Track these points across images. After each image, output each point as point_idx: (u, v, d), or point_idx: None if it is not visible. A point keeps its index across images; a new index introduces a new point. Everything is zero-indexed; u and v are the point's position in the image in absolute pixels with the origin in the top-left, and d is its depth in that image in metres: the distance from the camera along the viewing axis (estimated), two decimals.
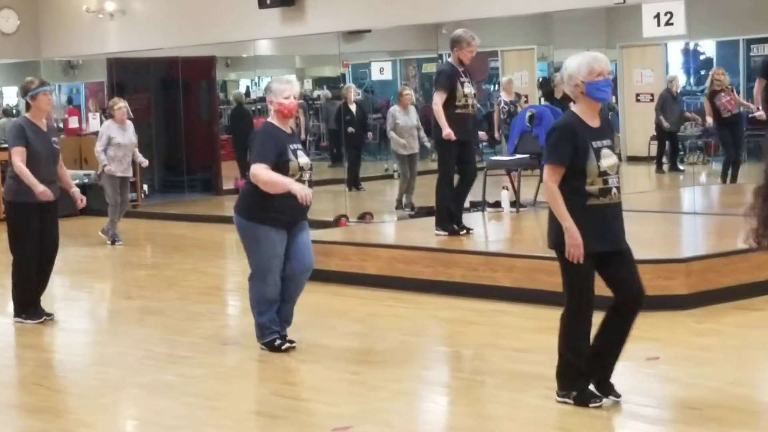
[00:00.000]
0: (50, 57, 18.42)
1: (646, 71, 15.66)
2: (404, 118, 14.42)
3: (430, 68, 16.66)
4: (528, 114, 12.51)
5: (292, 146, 7.25)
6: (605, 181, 5.70)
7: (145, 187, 17.40)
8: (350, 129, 16.44)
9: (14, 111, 19.21)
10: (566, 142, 5.68)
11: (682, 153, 15.23)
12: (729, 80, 14.20)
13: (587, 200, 5.69)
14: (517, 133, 12.58)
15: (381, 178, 17.74)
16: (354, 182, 16.85)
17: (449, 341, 7.99)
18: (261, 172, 7.12)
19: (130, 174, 13.32)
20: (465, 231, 10.19)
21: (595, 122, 5.79)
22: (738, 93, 16.22)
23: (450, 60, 10.08)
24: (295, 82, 7.43)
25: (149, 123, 18.04)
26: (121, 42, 17.30)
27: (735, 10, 13.88)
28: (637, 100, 15.45)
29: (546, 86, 15.79)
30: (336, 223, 13.27)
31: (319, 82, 20.89)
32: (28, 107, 8.84)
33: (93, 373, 7.37)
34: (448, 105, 9.83)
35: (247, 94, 20.32)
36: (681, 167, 15.42)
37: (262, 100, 20.64)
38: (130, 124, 13.34)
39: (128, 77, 18.17)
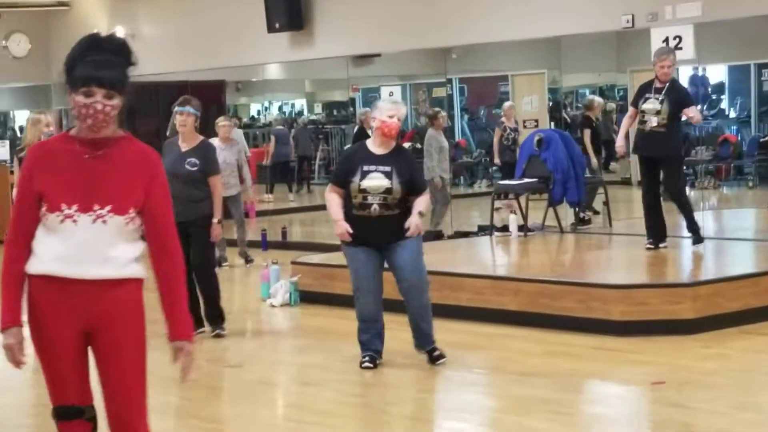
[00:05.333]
0: (61, 81, 18.43)
1: None
2: (442, 140, 13.92)
3: (440, 92, 16.65)
4: (536, 138, 12.47)
5: (369, 167, 7.21)
6: None
7: None
8: None
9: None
10: None
11: (693, 177, 15.06)
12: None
13: None
14: (525, 157, 12.54)
15: None
16: None
17: (455, 365, 7.93)
18: (326, 193, 7.44)
19: (233, 192, 12.50)
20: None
21: None
22: (750, 119, 16.12)
23: None
24: (401, 104, 7.49)
25: (158, 148, 18.01)
26: None
27: (745, 35, 13.79)
28: None
29: (556, 110, 15.69)
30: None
31: (329, 106, 20.90)
32: None
33: None
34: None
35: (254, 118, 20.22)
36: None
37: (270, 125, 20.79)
38: (236, 143, 12.89)
39: (137, 102, 18.00)
